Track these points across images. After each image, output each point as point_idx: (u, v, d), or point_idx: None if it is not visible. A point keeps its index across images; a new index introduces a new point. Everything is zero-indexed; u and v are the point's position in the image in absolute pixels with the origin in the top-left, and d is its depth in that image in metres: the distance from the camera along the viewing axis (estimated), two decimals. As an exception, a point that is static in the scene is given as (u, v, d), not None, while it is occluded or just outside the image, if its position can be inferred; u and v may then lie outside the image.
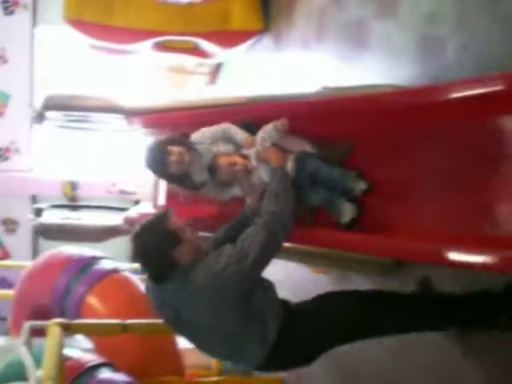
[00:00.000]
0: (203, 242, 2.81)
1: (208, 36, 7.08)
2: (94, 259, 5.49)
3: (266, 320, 2.59)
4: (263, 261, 2.55)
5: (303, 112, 2.98)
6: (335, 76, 4.66)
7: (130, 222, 3.87)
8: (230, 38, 7.03)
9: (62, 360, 3.36)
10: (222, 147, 3.05)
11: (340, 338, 2.71)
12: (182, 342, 5.14)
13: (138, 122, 3.65)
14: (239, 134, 3.02)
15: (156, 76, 9.53)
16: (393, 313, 2.66)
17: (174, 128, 3.49)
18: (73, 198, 9.21)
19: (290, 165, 2.88)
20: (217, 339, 2.69)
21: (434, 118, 2.43)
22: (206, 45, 7.27)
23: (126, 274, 5.56)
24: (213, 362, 5.66)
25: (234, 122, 3.09)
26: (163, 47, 7.46)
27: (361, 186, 2.71)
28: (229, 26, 6.90)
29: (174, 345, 5.21)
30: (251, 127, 3.06)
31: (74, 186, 9.35)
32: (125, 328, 3.90)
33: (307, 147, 2.96)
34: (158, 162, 2.92)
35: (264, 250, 2.50)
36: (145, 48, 7.38)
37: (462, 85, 2.19)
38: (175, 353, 5.26)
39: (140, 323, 4.00)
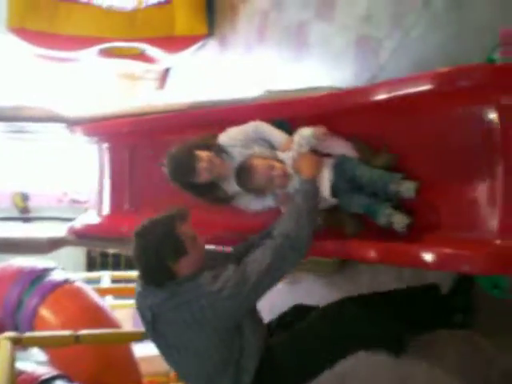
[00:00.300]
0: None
1: (153, 41, 7.11)
2: (46, 271, 5.41)
3: (242, 365, 2.30)
4: (263, 288, 2.27)
5: (246, 115, 2.96)
6: (279, 78, 4.72)
7: (73, 232, 3.81)
8: (175, 42, 7.06)
9: (15, 374, 3.31)
10: (257, 149, 2.67)
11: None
12: (139, 350, 5.15)
13: (80, 130, 3.63)
14: (274, 134, 2.66)
15: (106, 83, 9.51)
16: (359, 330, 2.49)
17: (116, 136, 3.49)
18: (24, 210, 9.08)
19: (327, 171, 2.53)
20: (189, 370, 2.41)
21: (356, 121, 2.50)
22: (151, 50, 7.29)
23: (79, 284, 5.51)
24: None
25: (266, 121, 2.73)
26: (109, 54, 7.45)
27: (408, 186, 2.30)
28: (174, 31, 6.93)
29: (129, 353, 5.17)
30: (285, 125, 2.73)
31: (24, 197, 9.22)
32: (77, 339, 3.79)
33: (349, 151, 2.58)
34: (185, 170, 2.56)
35: (267, 277, 2.24)
36: (90, 55, 7.34)
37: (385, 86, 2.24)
38: (131, 361, 5.22)
39: (92, 333, 3.85)
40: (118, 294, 7.65)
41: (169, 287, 2.27)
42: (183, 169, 2.57)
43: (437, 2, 2.85)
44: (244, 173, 2.56)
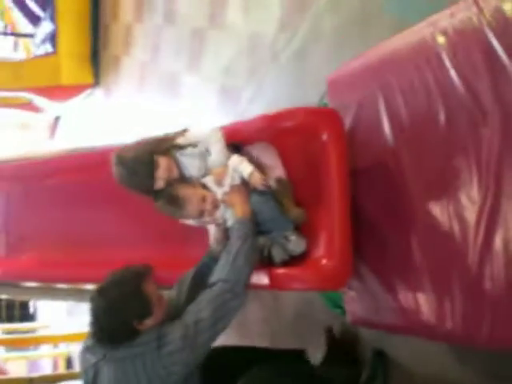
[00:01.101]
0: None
1: (40, 91, 7.23)
2: None
3: None
4: (207, 341, 2.08)
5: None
6: (158, 120, 5.01)
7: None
8: (61, 92, 7.23)
9: None
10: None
11: None
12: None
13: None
14: (215, 151, 2.37)
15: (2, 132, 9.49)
16: None
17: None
18: None
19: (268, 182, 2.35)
20: None
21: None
22: (38, 100, 7.40)
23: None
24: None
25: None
26: (-3, 103, 7.50)
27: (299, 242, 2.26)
28: (60, 81, 7.08)
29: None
30: (238, 148, 2.49)
31: None
32: (31, 382, 4.06)
33: (274, 177, 2.40)
34: (142, 178, 2.29)
35: (211, 330, 2.05)
36: (-24, 105, 7.37)
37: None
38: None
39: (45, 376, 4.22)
40: (10, 345, 7.54)
41: (125, 344, 2.05)
42: (140, 176, 2.29)
43: (283, 56, 3.19)
44: (175, 202, 2.33)
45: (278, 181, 2.35)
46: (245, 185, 2.35)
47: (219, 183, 2.38)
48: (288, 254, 2.29)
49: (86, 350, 2.16)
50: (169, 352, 1.98)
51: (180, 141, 2.39)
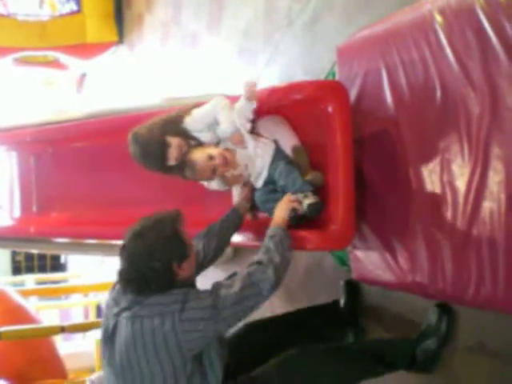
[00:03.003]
0: None
1: (66, 49, 7.38)
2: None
3: None
4: (235, 316, 2.03)
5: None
6: (177, 81, 5.15)
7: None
8: (87, 50, 7.38)
9: None
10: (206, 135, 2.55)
11: None
12: (63, 348, 5.43)
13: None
14: (223, 119, 2.46)
15: (24, 90, 9.66)
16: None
17: (21, 144, 3.78)
18: None
19: (268, 155, 2.46)
20: None
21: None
22: (65, 57, 7.55)
23: (0, 286, 5.71)
24: (96, 363, 5.83)
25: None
26: (24, 62, 7.65)
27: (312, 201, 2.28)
28: (85, 39, 7.23)
29: (53, 350, 5.41)
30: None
31: None
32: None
33: (288, 146, 2.48)
34: (155, 156, 2.44)
35: (238, 305, 2.00)
36: (5, 64, 7.53)
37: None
38: (55, 357, 5.45)
39: (14, 330, 4.03)
40: (42, 295, 7.84)
41: (150, 299, 2.02)
42: (153, 155, 2.45)
43: (297, 22, 3.29)
44: (189, 168, 2.44)
45: (294, 149, 2.45)
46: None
47: (242, 145, 2.48)
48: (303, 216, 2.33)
49: (111, 299, 2.16)
50: (190, 318, 1.94)
51: (187, 122, 2.51)
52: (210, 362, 2.06)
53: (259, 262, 2.07)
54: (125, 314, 2.02)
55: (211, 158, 2.40)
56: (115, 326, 2.06)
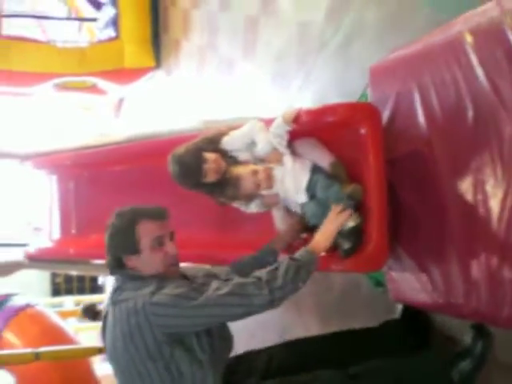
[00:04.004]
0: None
1: (104, 75, 7.55)
2: (7, 297, 5.72)
3: None
4: (208, 316, 2.00)
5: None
6: (213, 105, 5.24)
7: (28, 256, 4.14)
8: (124, 75, 7.53)
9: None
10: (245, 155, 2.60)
11: None
12: (100, 369, 5.49)
13: (30, 164, 4.01)
14: (261, 141, 2.51)
15: (63, 115, 9.89)
16: None
17: (61, 167, 3.88)
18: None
19: (306, 172, 2.44)
20: None
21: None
22: (103, 83, 7.73)
23: (40, 307, 5.81)
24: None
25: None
26: (63, 87, 7.85)
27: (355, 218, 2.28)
28: (123, 64, 7.39)
29: (90, 371, 5.47)
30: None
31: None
32: (37, 356, 3.92)
33: (325, 164, 2.49)
34: (192, 173, 2.48)
35: (218, 307, 1.97)
36: (45, 89, 7.73)
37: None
38: (93, 378, 5.52)
39: (51, 350, 4.03)
40: (82, 316, 7.92)
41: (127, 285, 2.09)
42: (190, 171, 2.49)
43: (330, 45, 3.34)
44: (230, 185, 2.48)
45: (331, 165, 2.45)
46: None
47: (279, 163, 2.49)
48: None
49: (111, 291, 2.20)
50: (160, 302, 1.93)
51: (225, 142, 2.58)
52: (201, 348, 2.04)
53: (258, 278, 2.00)
54: (109, 302, 2.09)
55: (255, 172, 2.44)
56: (106, 315, 2.11)
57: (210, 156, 2.48)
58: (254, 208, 2.60)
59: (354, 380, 2.21)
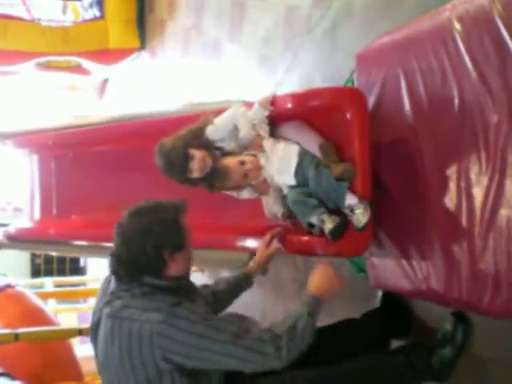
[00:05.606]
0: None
1: (88, 55, 7.47)
2: (-13, 277, 5.69)
3: None
4: (210, 357, 1.85)
5: (165, 128, 3.19)
6: (198, 87, 5.21)
7: (7, 236, 4.08)
8: (108, 56, 7.47)
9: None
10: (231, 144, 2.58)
11: None
12: (80, 351, 5.47)
13: (10, 144, 3.95)
14: (243, 125, 2.50)
15: (45, 95, 9.79)
16: None
17: (42, 147, 3.83)
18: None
19: (294, 157, 2.42)
20: None
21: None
22: (87, 63, 7.65)
23: (20, 288, 5.77)
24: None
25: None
26: (46, 67, 7.76)
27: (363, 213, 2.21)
28: (107, 45, 7.32)
29: (70, 353, 5.46)
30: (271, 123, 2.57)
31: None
32: (16, 337, 3.90)
33: (314, 147, 2.45)
34: (178, 169, 2.47)
35: (222, 350, 1.85)
36: (27, 68, 7.64)
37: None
38: (72, 360, 5.50)
39: (32, 331, 4.02)
40: (60, 297, 7.90)
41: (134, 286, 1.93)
42: (176, 167, 2.47)
43: (317, 29, 3.31)
44: (218, 176, 2.48)
45: (321, 147, 2.41)
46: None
47: (260, 149, 2.49)
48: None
49: (101, 290, 2.09)
50: (167, 335, 1.81)
51: (208, 132, 2.53)
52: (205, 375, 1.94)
53: (277, 336, 1.87)
54: (106, 310, 1.94)
55: (242, 163, 2.45)
56: (99, 321, 1.99)
57: (196, 153, 2.46)
58: (246, 194, 2.60)
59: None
